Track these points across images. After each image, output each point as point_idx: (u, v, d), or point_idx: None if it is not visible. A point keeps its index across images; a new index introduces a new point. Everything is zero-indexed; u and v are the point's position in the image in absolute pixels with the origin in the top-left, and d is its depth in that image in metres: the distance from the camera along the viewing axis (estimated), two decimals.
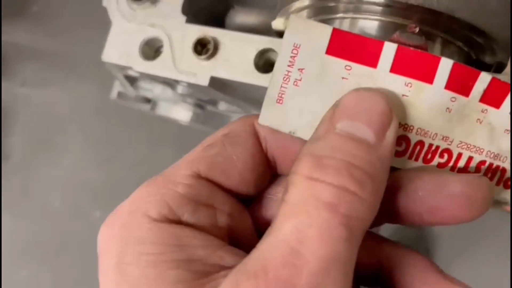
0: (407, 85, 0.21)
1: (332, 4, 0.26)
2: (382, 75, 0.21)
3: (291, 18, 0.22)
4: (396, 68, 0.21)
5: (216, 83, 0.36)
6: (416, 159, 0.22)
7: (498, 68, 0.29)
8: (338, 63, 0.21)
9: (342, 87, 0.21)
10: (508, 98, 0.22)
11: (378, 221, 0.21)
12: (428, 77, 0.21)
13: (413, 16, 0.25)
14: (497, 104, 0.22)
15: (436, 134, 0.22)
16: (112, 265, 0.19)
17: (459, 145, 0.22)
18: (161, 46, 0.37)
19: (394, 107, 0.20)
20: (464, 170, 0.22)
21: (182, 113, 0.62)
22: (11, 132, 0.92)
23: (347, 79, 0.21)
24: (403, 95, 0.21)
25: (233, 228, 0.22)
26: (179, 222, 0.20)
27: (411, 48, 0.22)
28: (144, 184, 0.21)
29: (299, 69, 0.21)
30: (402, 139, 0.22)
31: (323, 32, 0.21)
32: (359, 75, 0.21)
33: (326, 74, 0.21)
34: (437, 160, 0.22)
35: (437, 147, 0.22)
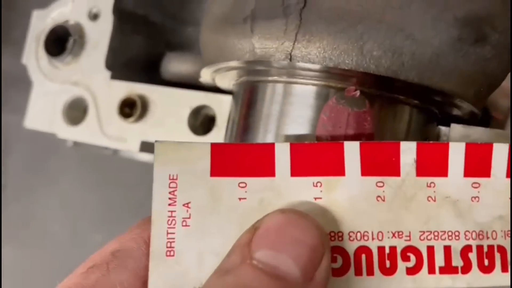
0: (316, 185, 0.17)
1: (262, 68, 0.21)
2: (283, 182, 0.17)
3: (156, 146, 0.18)
4: (297, 170, 0.18)
5: (150, 147, 0.31)
6: (370, 273, 0.17)
7: (472, 117, 0.24)
8: (229, 183, 0.17)
9: (243, 209, 0.17)
10: (456, 158, 0.18)
11: None
12: (336, 169, 0.17)
13: (352, 78, 0.20)
14: (442, 172, 0.18)
15: (381, 232, 0.17)
16: None
17: (422, 237, 0.18)
18: (87, 108, 0.32)
19: (327, 239, 0.17)
20: (448, 269, 0.17)
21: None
22: (5, 161, 0.89)
23: (245, 198, 0.17)
24: (315, 199, 0.17)
25: None
26: None
27: (307, 142, 0.18)
28: None
29: (184, 205, 0.17)
30: (334, 252, 0.17)
31: (201, 152, 0.17)
32: (258, 189, 0.17)
33: (219, 200, 0.17)
34: (402, 266, 0.17)
35: (392, 248, 0.17)
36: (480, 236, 0.18)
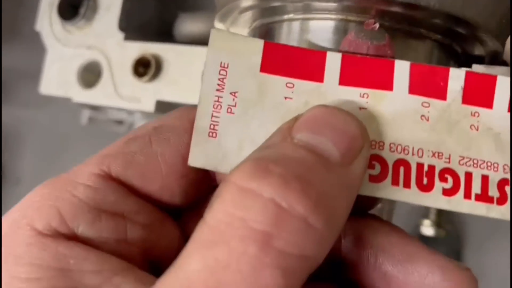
0: (363, 96, 0.18)
1: (278, 3, 0.21)
2: (331, 89, 0.18)
3: (212, 33, 0.18)
4: (346, 79, 0.18)
5: (165, 107, 0.31)
6: (406, 185, 0.17)
7: (493, 59, 0.23)
8: (278, 81, 0.18)
9: (287, 108, 0.18)
10: (502, 92, 0.18)
11: (321, 273, 0.16)
12: (385, 83, 0.18)
13: (371, 10, 0.19)
14: (487, 103, 0.18)
15: (421, 149, 0.17)
16: None
17: (462, 162, 0.17)
18: (101, 70, 0.32)
19: (367, 135, 0.17)
20: (484, 197, 0.17)
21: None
22: (19, 155, 0.91)
23: (291, 98, 0.18)
24: (360, 108, 0.17)
25: (151, 244, 0.17)
26: (72, 236, 0.16)
27: (359, 55, 0.18)
28: (42, 185, 0.17)
29: (231, 93, 0.18)
30: (373, 159, 0.17)
31: (254, 47, 0.18)
32: (304, 92, 0.18)
33: (265, 95, 0.18)
34: (439, 186, 0.17)
35: (431, 167, 0.17)
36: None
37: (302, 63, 0.18)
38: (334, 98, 0.18)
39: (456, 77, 0.17)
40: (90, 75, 0.33)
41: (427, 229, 0.42)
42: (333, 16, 0.20)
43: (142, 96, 0.31)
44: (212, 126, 0.18)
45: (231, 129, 0.18)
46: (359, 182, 0.16)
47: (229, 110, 0.18)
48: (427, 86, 0.18)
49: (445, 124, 0.17)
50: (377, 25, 0.19)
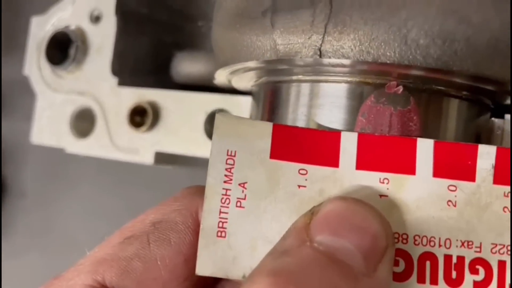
0: (383, 182, 0.16)
1: (285, 67, 0.19)
2: (348, 175, 0.16)
3: (217, 118, 0.16)
4: (363, 163, 0.16)
5: (165, 158, 0.29)
6: (433, 282, 0.16)
7: None
8: (289, 168, 0.16)
9: (301, 197, 0.16)
10: None
11: None
12: (407, 166, 0.16)
13: (392, 72, 0.17)
14: None
15: (449, 239, 0.16)
16: None
17: (494, 250, 0.16)
18: (95, 118, 0.30)
19: (390, 231, 0.15)
20: None
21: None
22: (23, 169, 0.89)
23: (305, 186, 0.16)
24: (381, 196, 0.16)
25: None
26: None
27: (377, 134, 0.16)
28: None
29: (240, 184, 0.16)
30: (396, 255, 0.16)
31: (262, 131, 0.16)
32: (319, 179, 0.16)
33: (276, 184, 0.16)
34: (469, 279, 0.16)
35: (460, 258, 0.16)
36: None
37: (315, 147, 0.16)
38: (352, 185, 0.16)
39: (486, 154, 0.16)
40: (83, 123, 0.31)
41: None
42: (348, 79, 0.18)
43: (140, 147, 0.28)
44: (220, 224, 0.16)
45: (241, 226, 0.16)
46: None
47: (238, 204, 0.16)
48: (454, 166, 0.16)
49: (475, 208, 0.16)
50: (400, 88, 0.17)
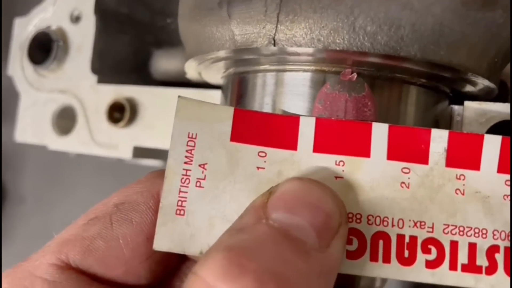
0: (339, 164, 0.17)
1: (251, 56, 0.19)
2: (305, 158, 0.17)
3: (178, 101, 0.17)
4: (320, 146, 0.17)
5: (143, 153, 0.29)
6: (386, 260, 0.16)
7: (487, 94, 0.21)
8: (249, 151, 0.17)
9: (260, 179, 0.17)
10: (490, 152, 0.16)
11: None
12: (362, 149, 0.17)
13: (346, 59, 0.18)
14: (474, 164, 0.16)
15: (402, 220, 0.16)
16: None
17: (446, 230, 0.16)
18: (76, 116, 0.31)
19: (344, 209, 0.16)
20: (472, 267, 0.16)
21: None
22: (22, 174, 0.90)
23: (263, 168, 0.17)
24: (336, 178, 0.16)
25: None
26: None
27: (334, 119, 0.17)
28: (4, 274, 0.16)
29: (200, 165, 0.17)
30: (350, 234, 0.16)
31: (223, 115, 0.17)
32: (277, 161, 0.17)
33: (236, 166, 0.17)
34: (421, 258, 0.16)
35: (413, 238, 0.16)
36: (510, 237, 0.16)
37: (274, 130, 0.17)
38: (309, 167, 0.16)
39: (439, 138, 0.16)
40: (65, 120, 0.31)
41: None
42: (307, 68, 0.18)
43: (119, 143, 0.29)
44: (179, 203, 0.16)
45: (200, 205, 0.16)
46: (338, 264, 0.15)
47: (198, 184, 0.16)
48: (407, 150, 0.16)
49: (427, 190, 0.16)
50: (354, 75, 0.18)
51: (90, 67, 0.30)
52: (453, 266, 0.16)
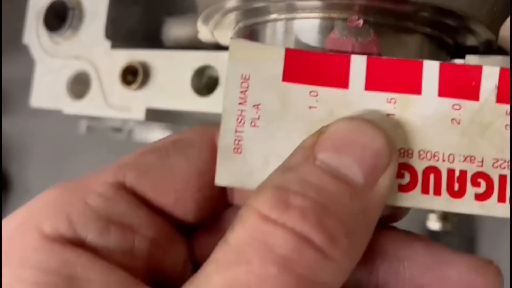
0: (390, 102, 0.17)
1: (260, 4, 0.20)
2: (357, 96, 0.17)
3: (231, 42, 0.17)
4: (372, 84, 0.17)
5: (155, 115, 0.30)
6: (437, 193, 0.17)
7: (487, 48, 0.22)
8: (301, 90, 0.17)
9: (312, 118, 0.17)
10: None
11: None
12: (413, 87, 0.17)
13: (354, 6, 0.18)
14: None
15: (453, 155, 0.17)
16: None
17: (495, 165, 0.17)
18: (90, 81, 0.32)
19: (395, 148, 0.16)
20: None
21: (160, 135, 0.56)
22: (26, 166, 0.91)
23: (315, 107, 0.17)
24: (388, 115, 0.17)
25: (157, 260, 0.17)
26: (79, 244, 0.15)
27: (385, 57, 0.17)
28: (52, 188, 0.17)
29: (254, 106, 0.17)
30: (402, 168, 0.17)
31: (275, 55, 0.17)
32: (329, 100, 0.17)
33: (288, 105, 0.17)
34: (471, 191, 0.17)
35: (463, 172, 0.17)
36: None
37: (325, 69, 0.17)
38: (360, 105, 0.17)
39: (489, 75, 0.16)
40: (79, 85, 0.33)
41: (433, 223, 0.41)
42: (316, 15, 0.19)
43: (132, 105, 0.30)
44: (236, 142, 0.17)
45: (256, 144, 0.17)
46: (382, 202, 0.15)
47: (252, 123, 0.17)
48: (458, 87, 0.17)
49: (478, 126, 0.17)
50: (361, 22, 0.19)
51: (104, 33, 0.32)
52: (501, 199, 0.16)
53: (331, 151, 0.15)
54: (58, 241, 0.15)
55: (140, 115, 0.30)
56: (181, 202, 0.17)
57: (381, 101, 0.17)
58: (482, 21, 0.19)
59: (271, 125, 0.17)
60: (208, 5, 0.21)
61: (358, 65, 0.17)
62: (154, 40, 0.33)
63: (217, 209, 0.19)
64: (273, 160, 0.17)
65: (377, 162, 0.15)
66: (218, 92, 0.28)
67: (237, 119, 0.17)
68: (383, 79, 0.17)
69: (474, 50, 0.22)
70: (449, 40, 0.21)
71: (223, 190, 0.18)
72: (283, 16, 0.20)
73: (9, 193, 0.93)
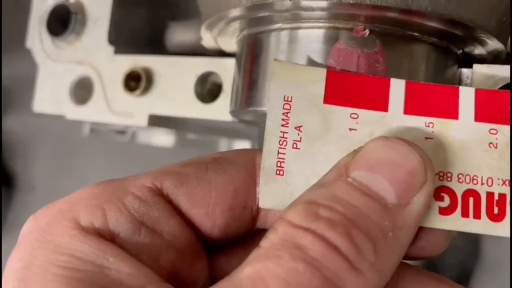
0: (429, 125, 0.17)
1: (265, 14, 0.20)
2: (396, 119, 0.17)
3: (274, 64, 0.18)
4: (411, 107, 0.17)
5: (158, 121, 0.30)
6: (477, 216, 0.17)
7: (495, 57, 0.22)
8: (342, 112, 0.17)
9: (352, 140, 0.17)
10: None
11: None
12: (450, 111, 0.17)
13: (359, 17, 0.18)
14: None
15: (491, 178, 0.17)
16: (16, 269, 0.15)
17: None
18: (93, 86, 0.32)
19: (431, 168, 0.16)
20: None
21: (164, 138, 0.56)
22: (31, 163, 0.91)
23: (356, 130, 0.17)
24: (426, 139, 0.17)
25: (179, 271, 0.17)
26: (111, 239, 0.16)
27: (422, 82, 0.18)
28: (94, 184, 0.17)
29: (296, 128, 0.18)
30: (441, 191, 0.17)
31: (316, 76, 0.18)
32: (369, 122, 0.17)
33: (329, 127, 0.17)
34: (510, 214, 0.17)
35: (502, 195, 0.17)
36: None
37: (365, 91, 0.17)
38: (399, 128, 0.17)
39: None
40: (82, 91, 0.32)
41: None
42: (321, 24, 0.19)
43: (135, 111, 0.30)
44: (279, 164, 0.17)
45: (297, 166, 0.17)
46: (417, 222, 0.15)
47: (294, 145, 0.17)
48: (494, 111, 0.17)
49: None
50: (367, 32, 0.18)
51: (107, 38, 0.31)
52: None
53: (364, 169, 0.15)
54: (92, 233, 0.16)
55: (143, 121, 0.29)
56: (211, 217, 0.18)
57: (419, 125, 0.17)
58: (490, 31, 0.19)
59: (313, 147, 0.17)
60: (212, 13, 0.21)
61: (397, 88, 0.17)
62: (157, 45, 0.33)
63: (243, 232, 0.19)
64: (315, 181, 0.17)
65: (411, 181, 0.15)
66: (221, 99, 0.27)
67: (279, 141, 0.17)
68: (421, 103, 0.17)
69: (482, 59, 0.22)
70: (456, 49, 0.21)
71: (252, 214, 0.18)
72: (287, 26, 0.20)
73: (14, 190, 0.93)
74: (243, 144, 0.41)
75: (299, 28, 0.19)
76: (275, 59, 0.18)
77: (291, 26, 0.20)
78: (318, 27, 0.19)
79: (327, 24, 0.19)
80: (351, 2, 0.17)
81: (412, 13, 0.17)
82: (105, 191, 0.17)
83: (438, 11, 0.17)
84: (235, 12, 0.20)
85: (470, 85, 0.22)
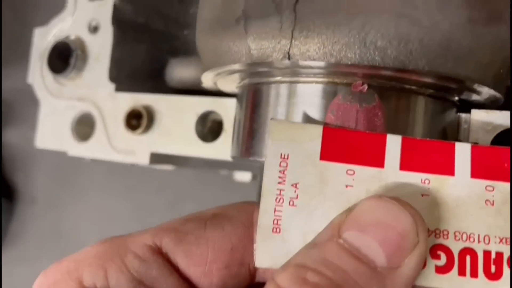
0: (424, 182, 0.17)
1: (264, 69, 0.20)
2: (392, 175, 0.17)
3: (272, 123, 0.18)
4: (407, 163, 0.17)
5: (159, 158, 0.30)
6: (474, 275, 0.17)
7: (493, 103, 0.22)
8: (338, 169, 0.18)
9: (349, 197, 0.17)
10: None
11: None
12: (446, 167, 0.17)
13: (357, 72, 0.18)
14: None
15: (488, 236, 0.17)
16: None
17: None
18: (94, 123, 0.32)
19: (423, 228, 0.16)
20: None
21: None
22: (33, 176, 0.91)
23: (352, 186, 0.17)
24: (422, 195, 0.17)
25: None
26: None
27: (418, 138, 0.18)
28: (100, 241, 0.18)
29: (292, 185, 0.18)
30: (438, 249, 0.17)
31: (313, 134, 0.18)
32: (365, 179, 0.17)
33: (326, 184, 0.18)
34: (507, 272, 0.17)
35: (499, 254, 0.17)
36: None
37: (361, 147, 0.17)
38: (396, 184, 0.17)
39: None
40: (84, 127, 0.33)
41: None
42: (319, 79, 0.19)
43: (137, 149, 0.30)
44: (275, 221, 0.17)
45: (294, 223, 0.17)
46: (408, 284, 0.15)
47: (291, 203, 0.17)
48: (490, 168, 0.17)
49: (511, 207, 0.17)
50: (365, 87, 0.19)
51: (108, 75, 0.32)
52: None
53: (355, 230, 0.15)
54: None
55: (145, 159, 0.30)
56: (208, 275, 0.18)
57: (415, 181, 0.17)
58: (488, 84, 0.19)
59: (309, 204, 0.17)
60: (213, 66, 0.21)
61: (393, 144, 0.17)
62: (158, 80, 0.33)
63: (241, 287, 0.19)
64: (311, 238, 0.17)
65: (402, 243, 0.15)
66: (222, 138, 0.28)
67: (276, 198, 0.17)
68: (417, 159, 0.17)
69: (480, 104, 0.22)
70: (454, 98, 0.21)
71: (250, 270, 0.19)
72: (287, 79, 0.20)
73: (15, 203, 0.93)
74: (243, 175, 0.41)
75: (298, 82, 0.20)
76: (271, 118, 0.18)
77: (290, 79, 0.20)
78: (317, 82, 0.19)
79: (325, 79, 0.19)
80: (349, 63, 0.17)
81: (408, 72, 0.17)
82: (109, 249, 0.18)
83: (436, 69, 0.17)
84: (236, 66, 0.20)
85: (468, 130, 0.22)
